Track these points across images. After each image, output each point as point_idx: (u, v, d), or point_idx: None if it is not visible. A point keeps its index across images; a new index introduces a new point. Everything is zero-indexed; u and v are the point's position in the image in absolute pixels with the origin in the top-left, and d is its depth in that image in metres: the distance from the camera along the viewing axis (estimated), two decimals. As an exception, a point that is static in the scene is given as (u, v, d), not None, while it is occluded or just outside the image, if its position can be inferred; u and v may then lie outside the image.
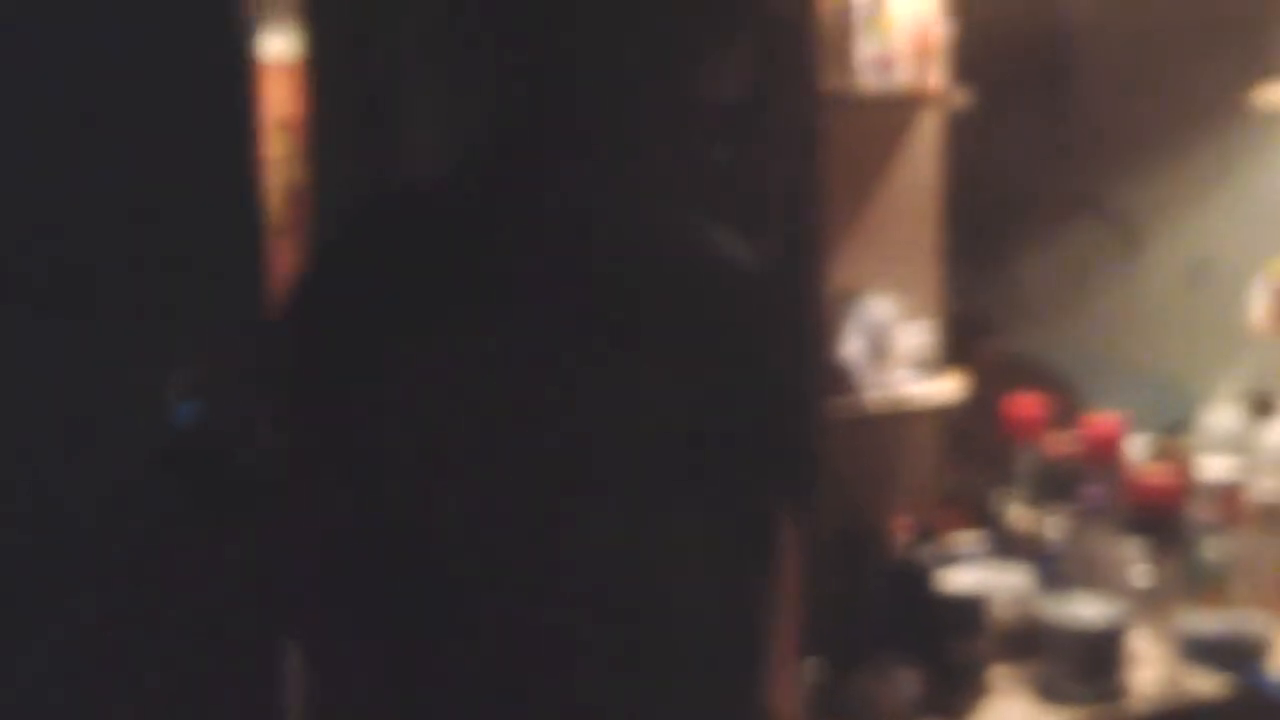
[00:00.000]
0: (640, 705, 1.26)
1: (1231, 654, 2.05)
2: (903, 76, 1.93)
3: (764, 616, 1.37)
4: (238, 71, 1.69)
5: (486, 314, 1.20)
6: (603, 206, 1.25)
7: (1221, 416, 2.47)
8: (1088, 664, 1.97)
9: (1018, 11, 2.80)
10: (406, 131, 1.82)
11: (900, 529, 2.11)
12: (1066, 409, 2.64)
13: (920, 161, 2.11)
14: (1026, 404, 2.39)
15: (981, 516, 2.29)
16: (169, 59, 1.66)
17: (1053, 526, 2.23)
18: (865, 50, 1.90)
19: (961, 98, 2.09)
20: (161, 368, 1.64)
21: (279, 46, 2.39)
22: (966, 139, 2.91)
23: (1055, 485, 2.29)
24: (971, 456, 2.54)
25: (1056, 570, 2.14)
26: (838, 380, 1.94)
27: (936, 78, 2.01)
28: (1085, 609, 1.99)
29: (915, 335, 2.08)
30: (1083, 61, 3.21)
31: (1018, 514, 2.32)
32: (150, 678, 1.74)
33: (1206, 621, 2.10)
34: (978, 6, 2.37)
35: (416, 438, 1.21)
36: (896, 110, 2.04)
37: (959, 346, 2.98)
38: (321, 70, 1.78)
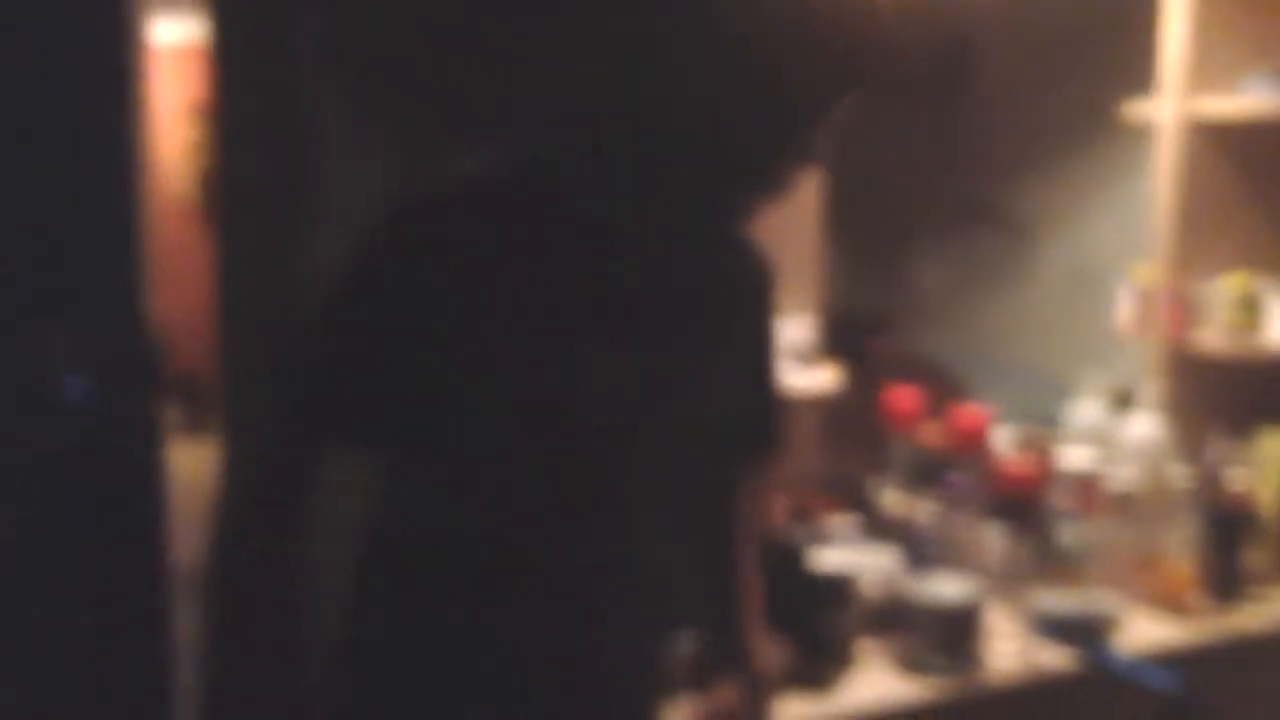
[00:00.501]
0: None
1: (1080, 631, 2.20)
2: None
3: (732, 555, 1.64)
4: (124, 56, 1.74)
5: (531, 307, 1.30)
6: (639, 207, 1.35)
7: (1086, 410, 2.63)
8: (945, 638, 2.11)
9: (916, 23, 2.94)
10: (317, 120, 1.89)
11: (778, 511, 2.24)
12: (951, 403, 2.80)
13: (801, 170, 2.23)
14: (903, 397, 2.53)
15: (858, 501, 2.42)
16: (55, 45, 1.72)
17: (921, 511, 2.37)
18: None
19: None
20: (42, 344, 1.70)
21: (193, 30, 2.42)
22: (869, 145, 3.05)
23: (926, 472, 2.43)
24: (857, 445, 2.68)
25: (923, 552, 2.28)
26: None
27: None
28: (945, 587, 2.13)
29: (794, 330, 2.21)
30: (977, 72, 3.36)
31: (892, 499, 2.46)
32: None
33: (1059, 601, 2.25)
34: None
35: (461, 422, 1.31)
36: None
37: (853, 342, 3.15)
38: (228, 56, 1.83)
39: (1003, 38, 3.23)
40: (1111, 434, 2.56)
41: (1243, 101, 2.51)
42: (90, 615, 1.83)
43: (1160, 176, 2.62)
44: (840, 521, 2.31)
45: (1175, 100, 2.56)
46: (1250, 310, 2.53)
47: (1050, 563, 2.36)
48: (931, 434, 2.49)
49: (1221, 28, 2.55)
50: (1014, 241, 3.56)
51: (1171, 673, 2.12)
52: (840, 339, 3.26)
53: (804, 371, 2.19)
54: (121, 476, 1.82)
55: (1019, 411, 2.73)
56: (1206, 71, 2.55)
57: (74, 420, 1.74)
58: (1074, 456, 2.46)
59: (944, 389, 3.01)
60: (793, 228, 2.24)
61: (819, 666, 2.06)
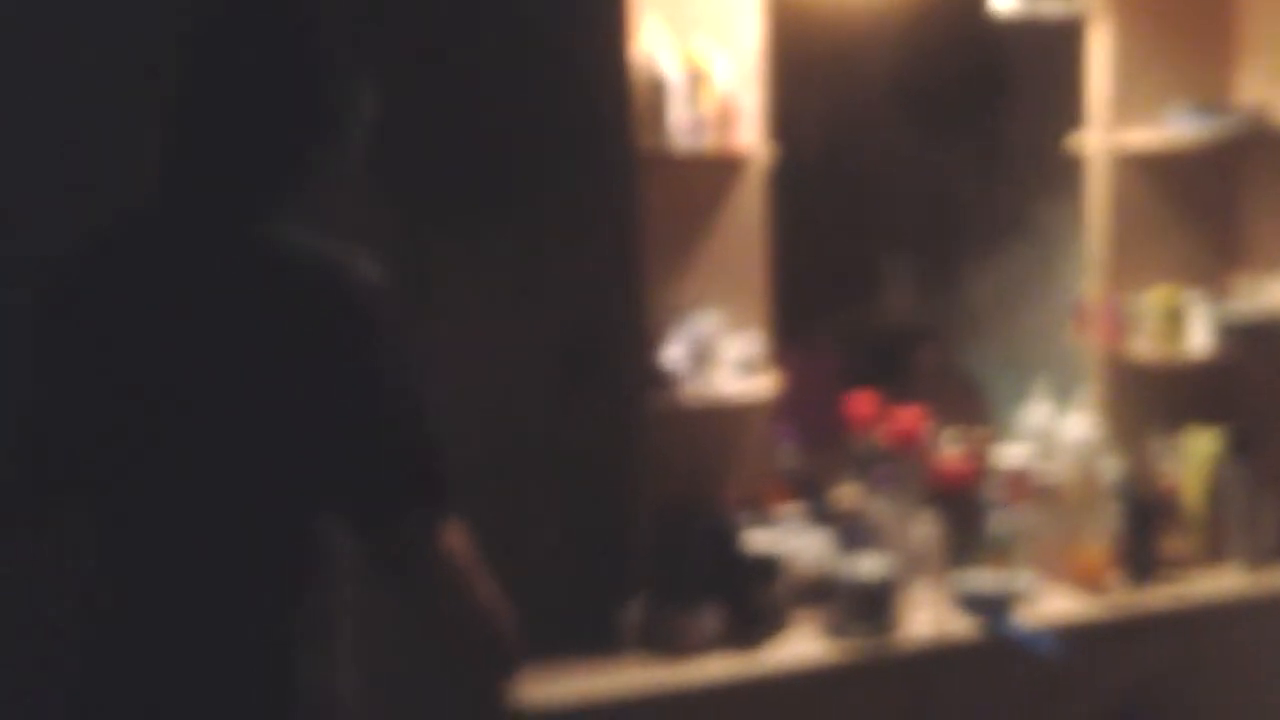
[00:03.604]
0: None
1: (990, 604, 2.51)
2: (712, 137, 2.43)
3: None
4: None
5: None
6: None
7: (1034, 412, 2.91)
8: (865, 607, 2.44)
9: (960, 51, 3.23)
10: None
11: (730, 500, 2.59)
12: (974, 408, 3.11)
13: (747, 203, 2.58)
14: (860, 401, 2.85)
15: (810, 492, 2.76)
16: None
17: (865, 500, 2.70)
18: (683, 115, 2.40)
19: (773, 155, 2.56)
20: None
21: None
22: (923, 165, 3.34)
23: (873, 467, 2.76)
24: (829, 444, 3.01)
25: (860, 535, 2.61)
26: (660, 381, 2.43)
27: (750, 137, 2.50)
28: (866, 565, 2.46)
29: (742, 343, 2.56)
30: (1008, 94, 3.60)
31: (847, 491, 2.79)
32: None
33: (979, 579, 2.56)
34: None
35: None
36: (710, 170, 2.54)
37: (905, 351, 3.46)
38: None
39: (1034, 67, 3.46)
40: (1051, 433, 2.84)
41: (1163, 133, 2.78)
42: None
43: (1092, 202, 2.90)
44: (787, 509, 2.65)
45: (1101, 133, 2.84)
46: (1174, 321, 2.79)
47: (982, 546, 2.67)
48: (883, 433, 2.81)
49: (1143, 64, 2.83)
50: (1043, 257, 3.81)
51: (1057, 641, 2.43)
52: (894, 349, 3.59)
53: (749, 379, 2.54)
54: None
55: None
56: (1131, 105, 2.83)
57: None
58: (1008, 453, 2.76)
59: (970, 396, 3.33)
60: (738, 248, 2.60)
61: (748, 631, 2.42)
